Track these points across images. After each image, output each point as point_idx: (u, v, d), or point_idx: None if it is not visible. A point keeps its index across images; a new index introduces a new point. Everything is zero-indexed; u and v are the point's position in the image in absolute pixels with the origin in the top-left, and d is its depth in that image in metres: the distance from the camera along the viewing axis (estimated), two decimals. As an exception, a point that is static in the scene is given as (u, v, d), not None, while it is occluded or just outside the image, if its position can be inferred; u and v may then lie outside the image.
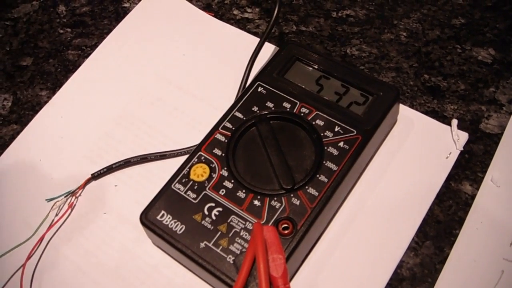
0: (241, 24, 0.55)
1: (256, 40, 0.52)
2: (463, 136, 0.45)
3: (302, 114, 0.43)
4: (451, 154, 0.44)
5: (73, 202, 0.45)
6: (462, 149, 0.44)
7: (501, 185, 0.43)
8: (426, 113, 0.47)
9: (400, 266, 0.40)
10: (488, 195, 0.43)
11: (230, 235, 0.38)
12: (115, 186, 0.46)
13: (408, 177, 0.44)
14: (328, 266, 0.40)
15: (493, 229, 0.41)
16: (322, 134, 0.42)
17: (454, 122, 0.46)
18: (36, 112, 0.51)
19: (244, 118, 0.43)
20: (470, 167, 0.44)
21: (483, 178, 0.43)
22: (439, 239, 0.41)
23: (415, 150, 0.45)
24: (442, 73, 0.49)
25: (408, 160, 0.44)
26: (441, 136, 0.45)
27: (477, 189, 0.43)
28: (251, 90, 0.45)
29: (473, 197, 0.43)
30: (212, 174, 0.41)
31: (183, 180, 0.41)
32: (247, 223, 0.39)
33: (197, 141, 0.44)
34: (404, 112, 0.47)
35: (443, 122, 0.46)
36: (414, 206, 0.42)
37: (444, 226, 0.42)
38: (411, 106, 0.47)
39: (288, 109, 0.43)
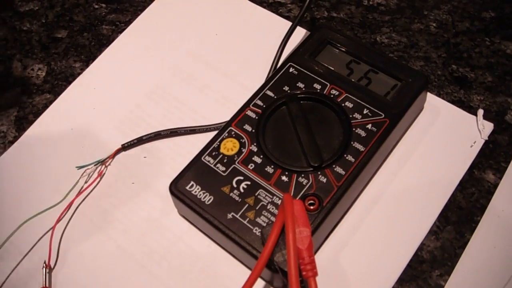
0: (274, 7, 0.56)
1: (288, 23, 0.53)
2: (488, 126, 0.46)
3: (332, 96, 0.44)
4: (476, 143, 0.45)
5: (102, 171, 0.47)
6: (486, 138, 0.45)
7: (524, 175, 0.44)
8: (452, 102, 0.48)
9: (420, 248, 0.41)
10: (510, 185, 0.43)
11: (257, 208, 0.39)
12: (144, 157, 0.47)
13: (432, 163, 0.44)
14: (351, 244, 0.41)
15: (514, 217, 0.42)
16: (350, 116, 0.43)
17: (480, 112, 0.46)
18: (69, 83, 0.52)
19: (275, 97, 0.44)
20: (493, 157, 0.45)
21: (506, 168, 0.44)
22: (460, 224, 0.42)
23: (440, 137, 0.46)
24: (470, 65, 0.50)
25: (433, 146, 0.45)
26: (466, 125, 0.46)
27: (500, 178, 0.44)
28: (282, 70, 0.46)
29: (495, 185, 0.43)
30: (242, 148, 0.42)
31: (213, 153, 0.42)
32: (274, 197, 0.40)
33: (226, 118, 0.45)
34: (431, 100, 0.47)
35: (469, 112, 0.47)
36: (437, 191, 0.43)
37: (466, 212, 0.43)
38: (438, 95, 0.48)
39: (318, 90, 0.44)
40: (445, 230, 0.42)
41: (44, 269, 0.42)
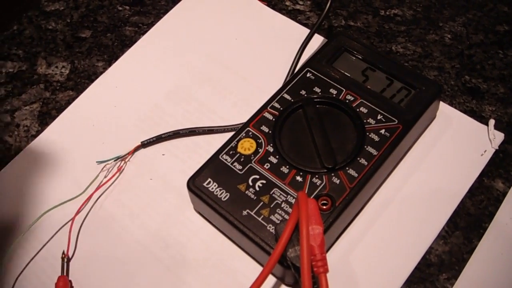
0: (292, 15, 0.57)
1: (305, 30, 0.54)
2: (499, 136, 0.47)
3: (347, 101, 0.45)
4: (486, 152, 0.46)
5: (121, 166, 0.48)
6: (497, 148, 0.46)
7: (533, 185, 0.45)
8: (464, 112, 0.49)
9: (429, 252, 0.42)
10: (519, 194, 0.45)
11: (271, 206, 0.41)
12: (163, 155, 0.49)
13: (443, 170, 0.45)
14: (361, 245, 0.42)
15: (522, 225, 0.43)
16: (365, 121, 0.44)
17: (491, 122, 0.47)
18: (92, 81, 0.54)
19: (292, 100, 0.45)
20: (503, 166, 0.46)
21: (515, 177, 0.45)
22: (468, 230, 0.43)
23: (451, 145, 0.47)
24: (483, 76, 0.51)
25: (444, 154, 0.46)
26: (477, 134, 0.47)
27: (509, 187, 0.45)
28: (300, 75, 0.47)
29: (504, 194, 0.44)
30: (259, 148, 0.43)
31: (231, 152, 0.43)
32: (289, 196, 0.41)
33: (244, 119, 0.46)
34: (444, 109, 0.48)
35: (481, 122, 0.48)
36: (446, 197, 0.44)
37: (474, 219, 0.44)
38: (451, 104, 0.49)
39: (334, 95, 0.45)
40: (453, 235, 0.43)
41: (62, 258, 0.43)
